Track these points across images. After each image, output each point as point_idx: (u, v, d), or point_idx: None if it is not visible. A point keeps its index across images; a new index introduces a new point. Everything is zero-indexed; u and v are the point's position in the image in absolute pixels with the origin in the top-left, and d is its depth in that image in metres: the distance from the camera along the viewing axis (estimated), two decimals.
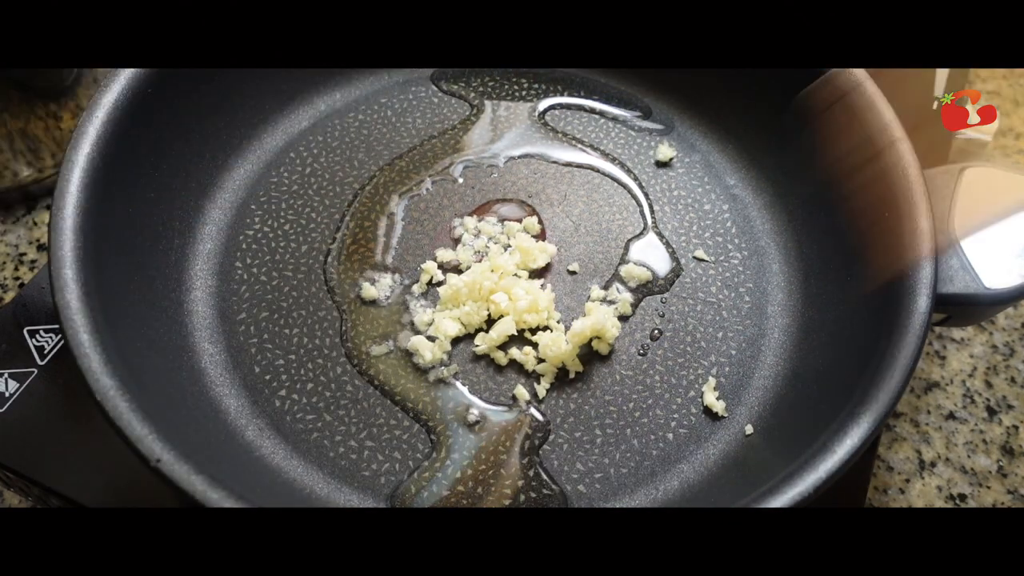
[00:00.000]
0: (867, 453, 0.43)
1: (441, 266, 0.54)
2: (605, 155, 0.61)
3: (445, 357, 0.51)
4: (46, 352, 0.50)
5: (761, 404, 0.50)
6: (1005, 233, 0.46)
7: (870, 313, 0.46)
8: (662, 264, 0.56)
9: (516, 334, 0.52)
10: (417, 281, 0.54)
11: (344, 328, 0.52)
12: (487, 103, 0.63)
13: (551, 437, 0.49)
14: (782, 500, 0.39)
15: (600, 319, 0.51)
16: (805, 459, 0.41)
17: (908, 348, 0.43)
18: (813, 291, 0.53)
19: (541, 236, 0.56)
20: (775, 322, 0.53)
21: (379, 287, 0.53)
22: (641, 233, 0.57)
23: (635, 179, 0.60)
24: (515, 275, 0.53)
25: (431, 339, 0.51)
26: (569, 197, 0.58)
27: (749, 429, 0.49)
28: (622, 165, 0.60)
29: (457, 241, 0.56)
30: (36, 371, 0.50)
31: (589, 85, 0.64)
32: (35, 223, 0.64)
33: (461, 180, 0.59)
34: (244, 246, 0.55)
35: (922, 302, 0.44)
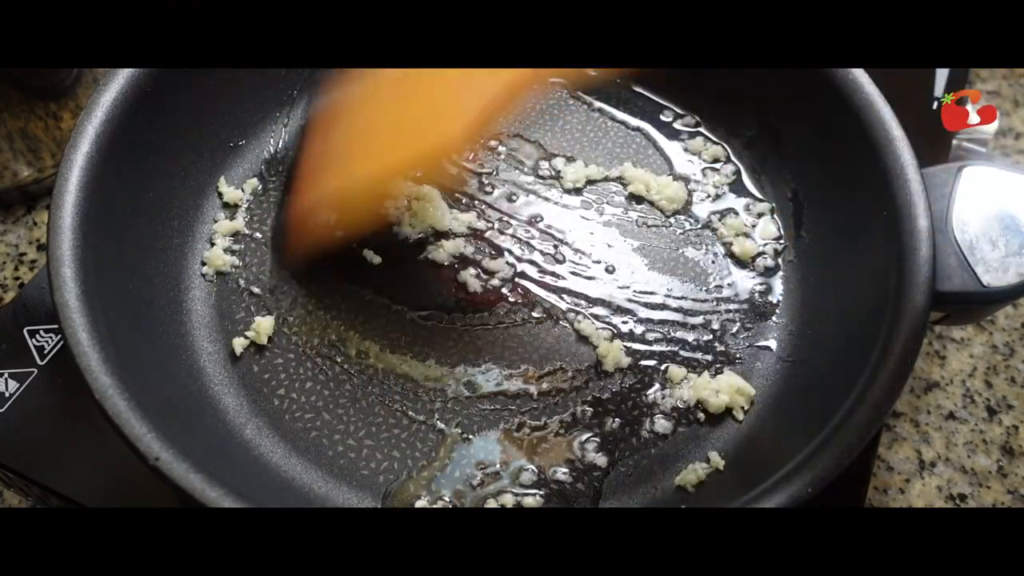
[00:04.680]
0: (867, 453, 0.43)
1: None
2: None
3: None
4: (46, 352, 0.50)
5: (760, 403, 0.50)
6: (1003, 232, 0.46)
7: (869, 312, 0.46)
8: None
9: None
10: None
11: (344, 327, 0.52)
12: None
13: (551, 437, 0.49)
14: (781, 500, 0.39)
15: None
16: (804, 459, 0.41)
17: (907, 346, 0.43)
18: (812, 290, 0.53)
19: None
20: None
21: None
22: None
23: None
24: None
25: None
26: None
27: (747, 430, 0.49)
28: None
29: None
30: (36, 371, 0.50)
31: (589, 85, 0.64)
32: (35, 223, 0.64)
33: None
34: (244, 246, 0.55)
35: (920, 300, 0.44)
